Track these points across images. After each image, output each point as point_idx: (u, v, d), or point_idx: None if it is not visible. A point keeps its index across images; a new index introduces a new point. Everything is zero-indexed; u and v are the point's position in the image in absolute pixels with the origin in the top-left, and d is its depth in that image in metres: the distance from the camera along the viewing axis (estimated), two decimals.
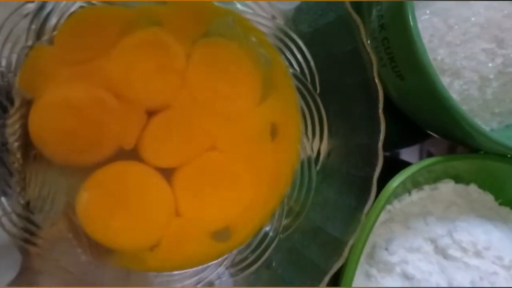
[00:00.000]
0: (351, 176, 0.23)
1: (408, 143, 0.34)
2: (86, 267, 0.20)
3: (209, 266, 0.22)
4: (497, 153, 0.26)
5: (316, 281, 0.21)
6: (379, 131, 0.22)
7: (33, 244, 0.20)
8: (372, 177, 0.22)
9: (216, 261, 0.23)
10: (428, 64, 0.22)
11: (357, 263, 0.21)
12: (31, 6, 0.20)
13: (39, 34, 0.20)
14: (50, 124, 0.21)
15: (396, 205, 0.27)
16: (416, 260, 0.25)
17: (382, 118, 0.22)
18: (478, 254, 0.25)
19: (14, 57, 0.20)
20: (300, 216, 0.24)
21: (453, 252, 0.25)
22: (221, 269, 0.22)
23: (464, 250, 0.25)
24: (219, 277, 0.22)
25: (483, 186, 0.28)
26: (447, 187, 0.27)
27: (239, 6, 0.24)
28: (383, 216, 0.26)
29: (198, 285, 0.21)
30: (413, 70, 0.22)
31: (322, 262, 0.21)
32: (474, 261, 0.25)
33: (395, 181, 0.22)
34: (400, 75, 0.23)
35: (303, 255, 0.22)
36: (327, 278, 0.21)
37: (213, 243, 0.23)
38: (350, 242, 0.21)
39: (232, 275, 0.22)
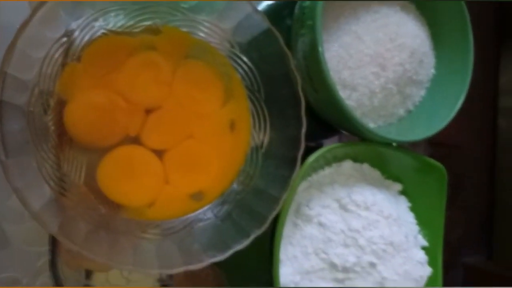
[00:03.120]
0: (285, 156, 0.33)
1: (327, 136, 0.46)
2: (105, 217, 0.29)
3: (190, 216, 0.32)
4: (382, 142, 0.39)
5: (261, 224, 0.31)
6: (302, 126, 0.32)
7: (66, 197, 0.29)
8: (297, 156, 0.33)
9: (194, 213, 0.33)
10: (332, 83, 0.33)
11: (287, 211, 0.32)
12: (66, 39, 0.28)
13: (71, 55, 0.29)
14: (79, 118, 0.29)
15: (314, 177, 0.38)
16: (327, 213, 0.36)
17: (304, 118, 0.32)
18: (367, 209, 0.36)
19: (54, 71, 0.28)
20: (250, 183, 0.34)
21: (351, 207, 0.36)
22: (197, 217, 0.32)
23: (358, 206, 0.36)
24: (198, 221, 0.32)
25: (373, 165, 0.40)
26: (347, 165, 0.38)
27: (208, 38, 0.34)
28: (305, 184, 0.37)
29: (184, 228, 0.31)
30: (323, 86, 0.33)
31: (265, 211, 0.32)
32: (364, 213, 0.36)
33: (310, 158, 0.33)
34: (315, 90, 0.34)
35: (252, 208, 0.32)
36: (268, 222, 0.31)
37: (191, 202, 0.33)
38: (283, 198, 0.32)
39: (205, 221, 0.32)
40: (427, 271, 0.38)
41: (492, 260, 0.53)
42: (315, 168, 0.37)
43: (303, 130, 0.32)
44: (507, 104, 0.60)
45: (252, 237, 0.30)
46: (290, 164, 0.33)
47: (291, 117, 0.33)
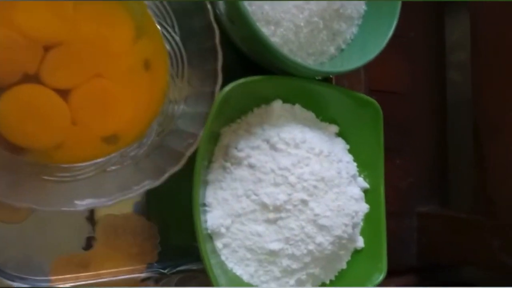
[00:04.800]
0: (203, 92, 0.32)
1: None
2: (7, 159, 0.28)
3: (104, 159, 0.31)
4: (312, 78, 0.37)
5: (178, 161, 0.30)
6: (218, 58, 0.31)
7: None
8: (215, 91, 0.31)
9: (108, 156, 0.31)
10: (251, 20, 0.31)
11: (205, 145, 0.30)
12: None
13: None
14: None
15: (243, 119, 0.36)
16: (257, 154, 0.35)
17: (219, 49, 0.31)
18: (296, 146, 0.35)
19: None
20: (171, 123, 0.33)
21: (280, 146, 0.35)
22: (111, 161, 0.31)
23: (287, 144, 0.35)
24: (112, 164, 0.30)
25: (306, 106, 0.39)
26: (277, 104, 0.36)
27: None
28: (234, 126, 0.36)
29: (95, 171, 0.30)
30: (237, 18, 0.32)
31: (183, 149, 0.30)
32: (294, 151, 0.35)
33: (226, 88, 0.31)
34: (231, 20, 0.33)
35: (171, 147, 0.31)
36: (185, 159, 0.30)
37: (104, 145, 0.31)
38: (200, 134, 0.30)
39: (120, 164, 0.31)
40: (363, 207, 0.37)
41: (446, 207, 0.52)
42: (243, 110, 0.36)
43: (220, 62, 0.31)
44: (456, 59, 0.60)
45: (167, 174, 0.29)
46: (209, 100, 0.31)
47: (208, 50, 0.32)
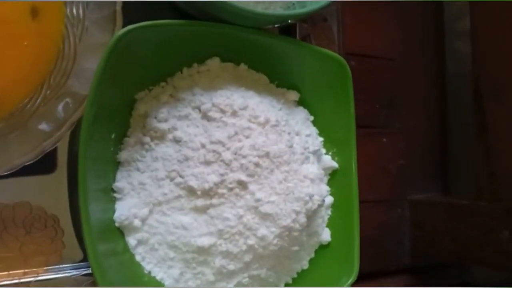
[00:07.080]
0: (100, 43, 0.25)
1: None
2: None
3: None
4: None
5: (58, 129, 0.23)
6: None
7: None
8: None
9: None
10: None
11: (92, 110, 0.23)
12: None
13: None
14: None
15: (169, 82, 0.29)
16: (185, 126, 0.28)
17: None
18: (234, 114, 0.28)
19: None
20: (63, 85, 0.26)
21: (213, 114, 0.28)
22: None
23: (222, 111, 0.28)
24: None
25: (256, 67, 0.31)
26: (213, 63, 0.29)
27: None
28: (155, 92, 0.28)
29: None
30: None
31: (68, 116, 0.23)
32: (231, 120, 0.27)
33: (118, 33, 0.23)
34: None
35: (55, 114, 0.24)
36: (67, 125, 0.23)
37: None
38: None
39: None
40: (321, 189, 0.30)
41: (444, 193, 0.44)
42: (168, 70, 0.29)
43: (118, 7, 0.24)
44: (461, 28, 0.52)
45: (40, 147, 0.22)
46: None
47: None
